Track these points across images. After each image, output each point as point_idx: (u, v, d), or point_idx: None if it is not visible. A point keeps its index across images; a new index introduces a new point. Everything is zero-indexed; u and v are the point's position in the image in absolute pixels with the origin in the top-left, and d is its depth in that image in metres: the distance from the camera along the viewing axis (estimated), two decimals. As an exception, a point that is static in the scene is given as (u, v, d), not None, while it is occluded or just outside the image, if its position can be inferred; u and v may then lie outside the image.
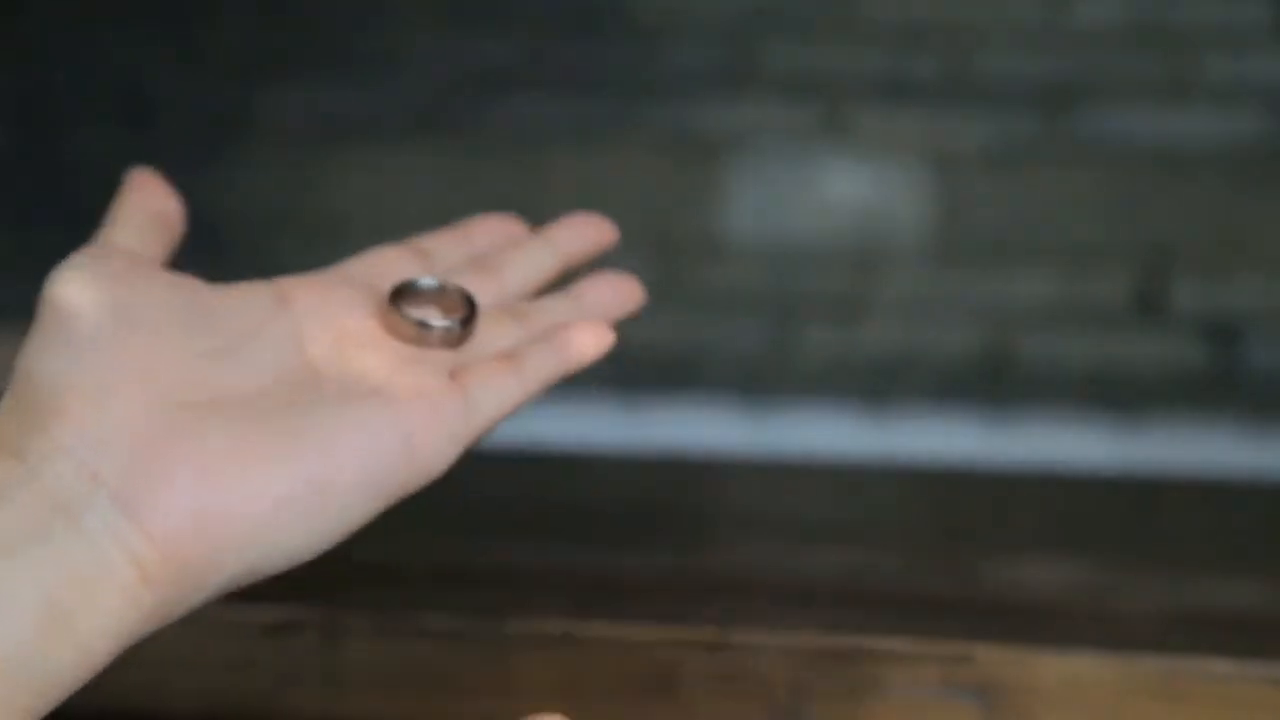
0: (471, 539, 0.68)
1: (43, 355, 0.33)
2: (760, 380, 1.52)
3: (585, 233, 0.46)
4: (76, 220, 1.77)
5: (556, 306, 0.44)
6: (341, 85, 1.68)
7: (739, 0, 1.48)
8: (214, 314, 0.35)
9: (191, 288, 0.36)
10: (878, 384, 1.50)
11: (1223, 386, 1.43)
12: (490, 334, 0.41)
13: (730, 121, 1.51)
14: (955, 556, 0.67)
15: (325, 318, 0.38)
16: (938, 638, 0.52)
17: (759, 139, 1.49)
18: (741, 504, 0.85)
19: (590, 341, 0.42)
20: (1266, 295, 1.41)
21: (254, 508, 0.32)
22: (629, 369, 1.49)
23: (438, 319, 0.38)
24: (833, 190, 1.47)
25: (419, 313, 0.39)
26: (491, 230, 0.46)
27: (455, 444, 0.36)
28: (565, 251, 0.45)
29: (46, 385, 0.32)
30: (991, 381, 1.47)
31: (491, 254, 0.44)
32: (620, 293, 0.45)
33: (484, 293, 0.42)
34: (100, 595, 0.30)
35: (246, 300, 0.37)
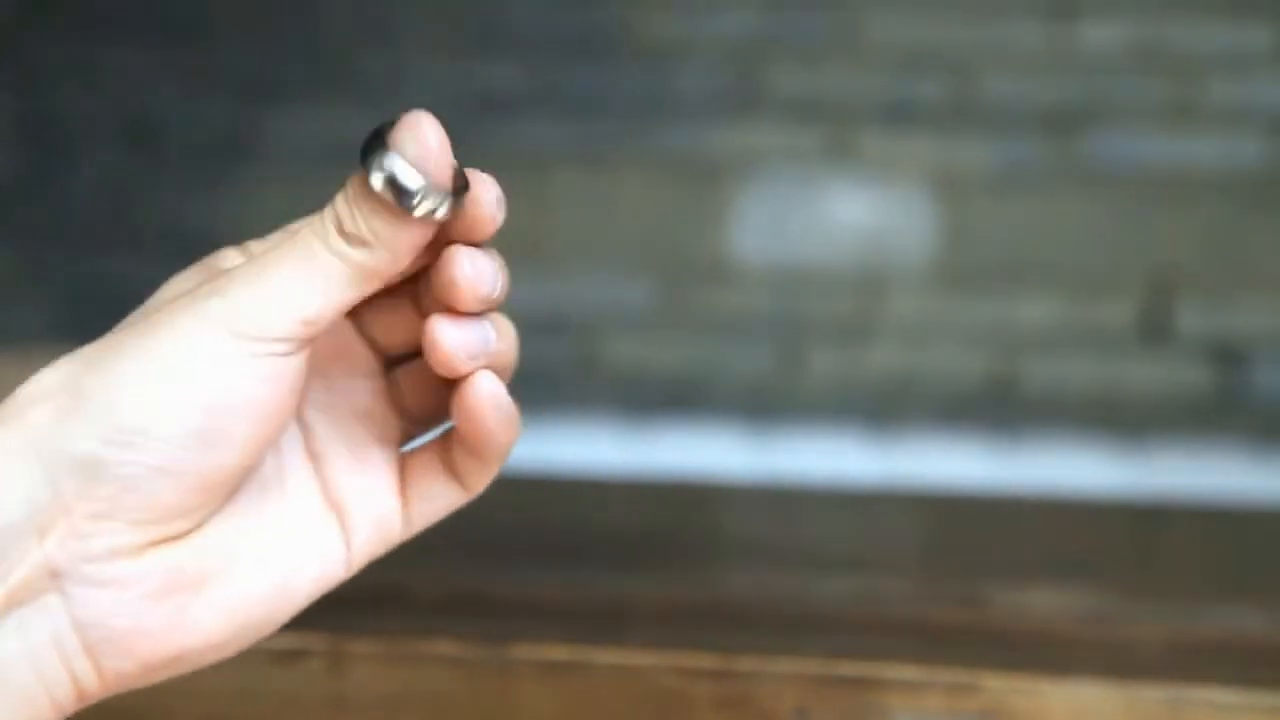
0: (477, 565, 0.68)
1: (127, 387, 0.31)
2: (765, 404, 1.52)
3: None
4: (84, 242, 1.79)
5: None
6: (348, 108, 1.69)
7: (745, 25, 1.49)
8: (276, 426, 0.33)
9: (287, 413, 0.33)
10: (883, 408, 1.50)
11: (1228, 410, 1.43)
12: None
13: (736, 145, 1.51)
14: (960, 582, 0.67)
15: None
16: (943, 664, 0.52)
17: (764, 163, 1.49)
18: (747, 529, 0.85)
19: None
20: (1271, 318, 1.41)
21: (197, 651, 0.33)
22: (633, 392, 1.49)
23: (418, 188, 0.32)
24: (838, 214, 1.48)
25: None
26: None
27: (388, 549, 0.36)
28: None
29: (95, 448, 0.30)
30: (997, 406, 1.47)
31: None
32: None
33: None
34: (31, 708, 0.31)
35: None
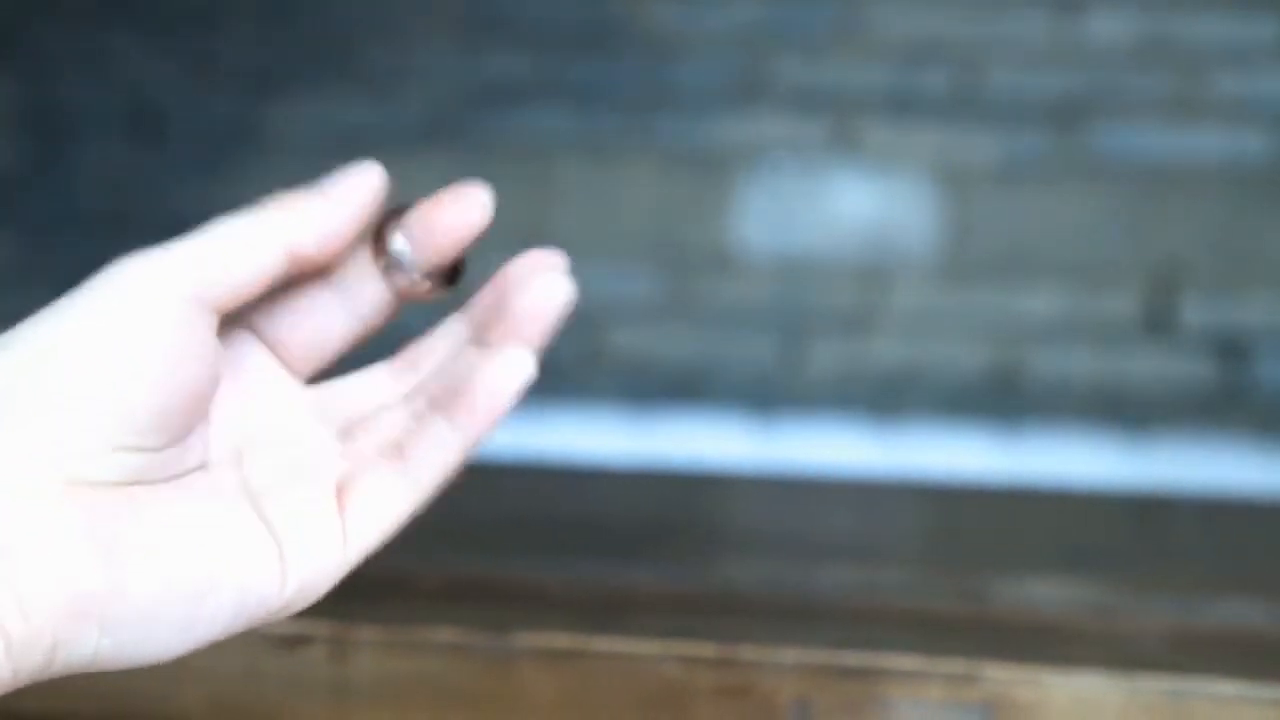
0: (479, 553, 0.68)
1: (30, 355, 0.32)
2: (769, 394, 1.52)
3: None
4: (86, 230, 1.79)
5: (462, 360, 0.39)
6: (351, 97, 1.69)
7: (750, 16, 1.49)
8: (203, 404, 0.34)
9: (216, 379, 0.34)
10: (886, 399, 1.50)
11: (1231, 403, 1.43)
12: (386, 415, 0.38)
13: (740, 136, 1.51)
14: (962, 573, 0.67)
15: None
16: (944, 655, 0.52)
17: (768, 154, 1.49)
18: (750, 519, 0.85)
19: (498, 394, 0.38)
20: (1276, 312, 1.41)
21: (130, 602, 0.32)
22: (638, 382, 1.49)
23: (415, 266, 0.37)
24: (842, 205, 1.47)
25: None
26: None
27: (331, 579, 0.35)
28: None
29: (15, 399, 0.31)
30: (1000, 397, 1.47)
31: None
32: (543, 287, 0.38)
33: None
34: None
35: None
